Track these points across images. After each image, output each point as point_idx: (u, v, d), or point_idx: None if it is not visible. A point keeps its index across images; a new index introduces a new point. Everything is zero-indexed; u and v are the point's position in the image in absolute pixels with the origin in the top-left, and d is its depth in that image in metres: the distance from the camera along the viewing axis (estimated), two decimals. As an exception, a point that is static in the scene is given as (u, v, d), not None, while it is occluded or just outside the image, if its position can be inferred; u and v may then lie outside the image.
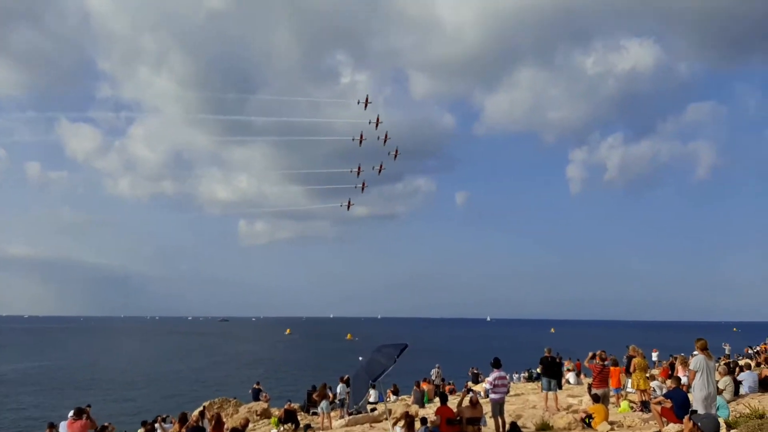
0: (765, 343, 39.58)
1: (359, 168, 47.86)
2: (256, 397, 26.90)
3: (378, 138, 47.81)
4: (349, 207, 50.29)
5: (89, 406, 17.51)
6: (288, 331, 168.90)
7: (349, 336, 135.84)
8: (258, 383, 28.97)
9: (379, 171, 48.85)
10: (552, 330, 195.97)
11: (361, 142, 47.43)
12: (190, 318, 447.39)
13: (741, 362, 23.33)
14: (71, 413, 13.81)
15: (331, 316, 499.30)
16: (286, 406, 21.85)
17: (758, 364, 23.05)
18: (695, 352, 11.16)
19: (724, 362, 20.99)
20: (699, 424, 6.00)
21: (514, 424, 14.03)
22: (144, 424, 20.84)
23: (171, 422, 22.43)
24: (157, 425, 21.44)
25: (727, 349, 47.43)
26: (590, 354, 18.16)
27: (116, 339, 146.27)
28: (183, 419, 17.21)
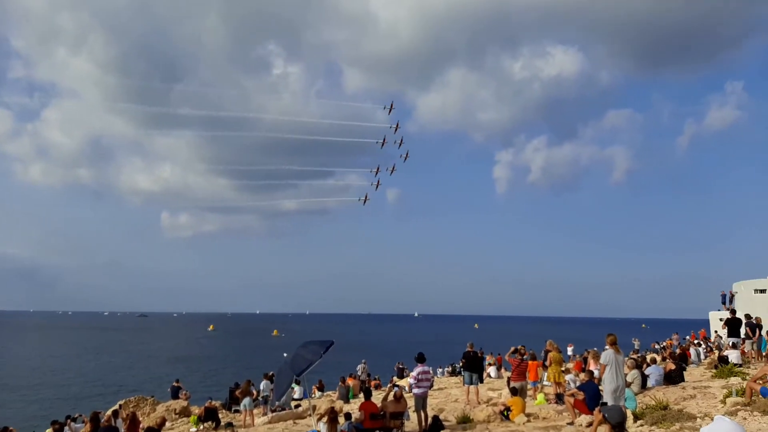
0: (670, 339, 42.15)
1: (377, 169, 53.72)
2: (175, 395, 26.00)
3: (395, 142, 54.92)
4: (365, 202, 54.88)
5: None
6: (211, 327, 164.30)
7: (275, 332, 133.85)
8: (177, 381, 28.02)
9: (392, 172, 55.74)
10: (476, 326, 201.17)
11: (383, 145, 52.82)
12: (106, 313, 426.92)
13: (648, 357, 24.76)
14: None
15: (258, 312, 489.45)
16: (206, 404, 21.24)
17: (664, 359, 24.49)
18: (606, 347, 11.70)
19: (632, 357, 22.19)
20: (606, 415, 6.32)
21: (435, 418, 14.28)
22: (53, 424, 19.71)
23: (83, 422, 21.37)
24: (66, 426, 20.37)
25: (636, 344, 50.19)
26: (512, 348, 18.75)
27: (25, 335, 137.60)
28: (95, 419, 16.41)
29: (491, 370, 32.10)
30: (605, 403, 8.16)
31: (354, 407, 19.07)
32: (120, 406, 23.63)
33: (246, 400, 20.59)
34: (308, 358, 12.17)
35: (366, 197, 55.74)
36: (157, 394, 29.93)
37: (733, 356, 19.53)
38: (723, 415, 10.80)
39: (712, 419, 9.56)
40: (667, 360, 20.44)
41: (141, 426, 17.36)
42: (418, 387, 14.17)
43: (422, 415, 14.08)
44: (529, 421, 14.02)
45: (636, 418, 11.24)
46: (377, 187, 55.25)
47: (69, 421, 21.58)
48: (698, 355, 24.50)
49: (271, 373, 22.81)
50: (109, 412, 20.48)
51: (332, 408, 14.62)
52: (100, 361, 69.10)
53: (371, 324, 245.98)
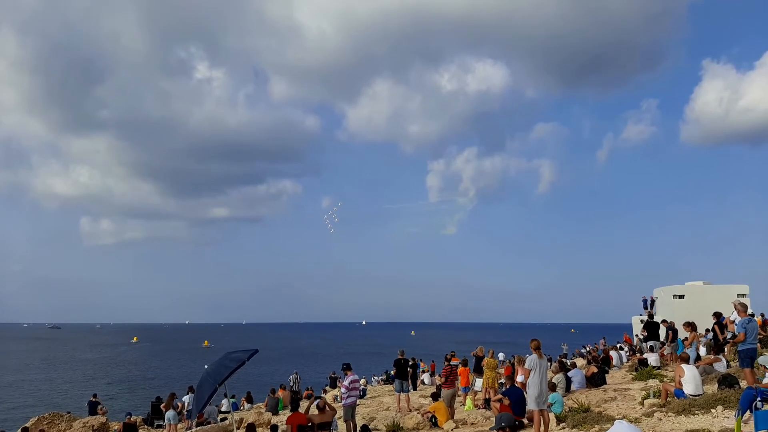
0: (596, 344, 43.72)
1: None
2: (92, 410, 24.61)
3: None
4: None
5: None
6: (135, 338, 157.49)
7: (206, 343, 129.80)
8: (95, 395, 26.55)
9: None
10: (412, 333, 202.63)
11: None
12: (26, 324, 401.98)
13: (571, 361, 25.47)
14: None
15: (187, 322, 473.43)
16: (126, 420, 20.17)
17: (589, 362, 25.23)
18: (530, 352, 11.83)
19: (558, 360, 22.74)
20: (504, 423, 6.30)
21: (365, 427, 14.05)
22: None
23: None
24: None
25: (564, 348, 51.95)
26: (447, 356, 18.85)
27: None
28: (1, 439, 15.31)
29: (425, 377, 32.27)
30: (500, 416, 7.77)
31: (283, 419, 18.58)
32: (33, 423, 22.11)
33: (170, 414, 19.75)
34: (229, 366, 11.71)
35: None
36: (74, 409, 28.27)
37: (652, 359, 20.32)
38: (640, 416, 11.15)
39: (631, 421, 9.83)
40: (591, 363, 21.03)
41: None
42: (348, 396, 13.94)
43: (351, 424, 13.84)
44: (457, 426, 14.03)
45: (559, 420, 11.41)
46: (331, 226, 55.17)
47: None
48: (620, 358, 25.41)
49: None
50: (18, 431, 19.13)
51: (250, 423, 14.11)
52: (11, 375, 64.68)
53: (315, 332, 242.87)
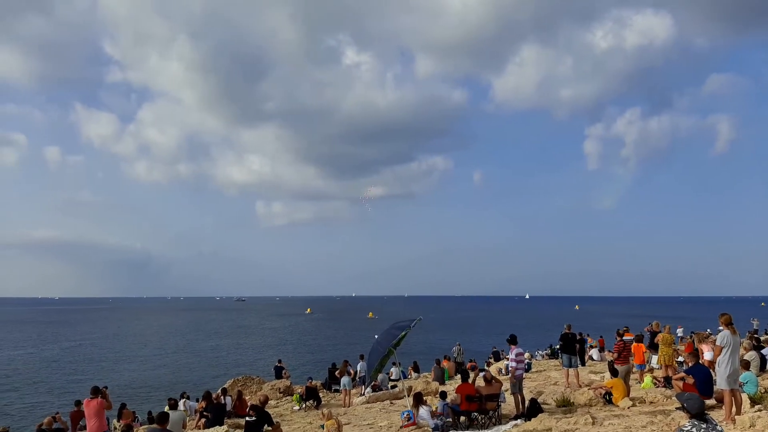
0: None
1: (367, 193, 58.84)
2: (278, 374, 27.25)
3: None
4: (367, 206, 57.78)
5: (106, 387, 17.85)
6: (309, 310, 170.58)
7: (370, 314, 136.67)
8: (280, 361, 29.33)
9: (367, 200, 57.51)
10: (576, 307, 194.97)
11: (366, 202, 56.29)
12: (218, 298, 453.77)
13: (765, 337, 22.85)
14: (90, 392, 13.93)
15: (353, 294, 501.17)
16: (307, 384, 22.07)
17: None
18: (720, 328, 10.86)
19: (749, 336, 20.54)
20: (685, 405, 5.76)
21: (533, 401, 13.93)
22: (169, 400, 21.25)
23: (196, 400, 22.91)
24: (181, 402, 21.90)
25: (755, 324, 46.62)
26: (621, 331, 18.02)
27: (144, 318, 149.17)
28: (207, 396, 17.65)
29: (593, 353, 30.99)
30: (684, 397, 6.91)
31: (450, 389, 19.06)
32: (229, 385, 25.11)
33: (344, 380, 21.18)
34: (396, 335, 12.34)
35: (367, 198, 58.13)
36: (262, 373, 31.59)
37: None
38: None
39: None
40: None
41: (247, 403, 18.35)
42: (517, 369, 13.90)
43: (519, 397, 13.82)
44: (634, 405, 13.35)
45: (753, 402, 10.40)
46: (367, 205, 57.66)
47: (185, 396, 23.21)
48: (828, 336, 22.29)
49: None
50: (218, 391, 21.81)
51: (418, 392, 14.67)
52: (209, 342, 73.72)
53: (475, 306, 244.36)
